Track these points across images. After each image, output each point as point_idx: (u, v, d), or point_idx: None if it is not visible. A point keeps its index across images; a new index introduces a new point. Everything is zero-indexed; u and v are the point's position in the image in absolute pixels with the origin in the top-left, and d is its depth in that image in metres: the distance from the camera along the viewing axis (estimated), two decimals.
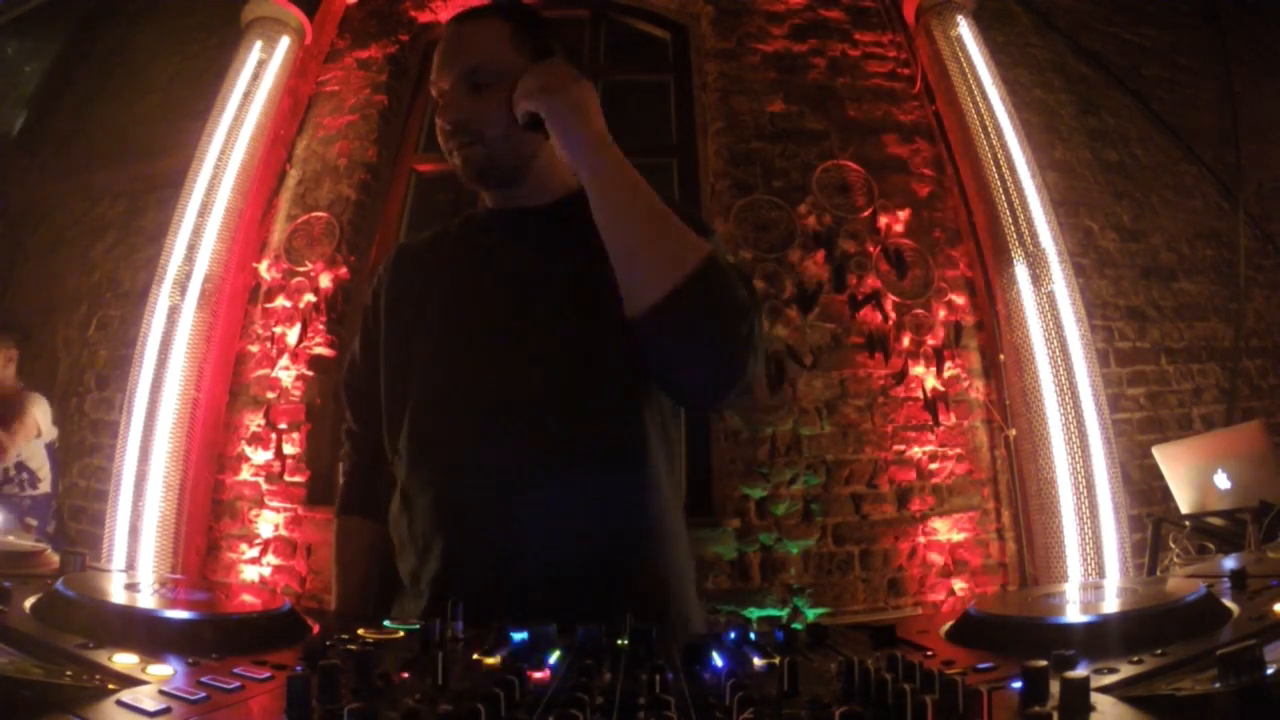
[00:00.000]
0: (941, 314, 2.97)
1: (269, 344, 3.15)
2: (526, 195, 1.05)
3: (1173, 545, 2.58)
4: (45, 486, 3.05)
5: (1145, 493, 2.90)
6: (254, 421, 3.09)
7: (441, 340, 1.02)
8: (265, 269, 3.24)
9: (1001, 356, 2.87)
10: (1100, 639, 0.52)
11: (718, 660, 0.56)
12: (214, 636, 0.55)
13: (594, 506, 0.93)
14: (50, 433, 3.10)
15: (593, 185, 0.91)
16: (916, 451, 2.83)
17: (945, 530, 2.78)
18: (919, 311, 2.95)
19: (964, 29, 3.15)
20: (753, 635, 0.65)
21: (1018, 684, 0.41)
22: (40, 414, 3.06)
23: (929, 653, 0.57)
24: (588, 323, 0.97)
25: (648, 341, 0.90)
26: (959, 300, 3.00)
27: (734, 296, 0.88)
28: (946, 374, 2.90)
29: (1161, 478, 2.64)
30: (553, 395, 0.96)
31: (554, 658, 0.56)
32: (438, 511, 0.96)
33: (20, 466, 2.99)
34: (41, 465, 3.05)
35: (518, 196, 1.05)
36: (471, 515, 0.95)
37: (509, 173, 1.03)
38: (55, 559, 0.79)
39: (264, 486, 3.02)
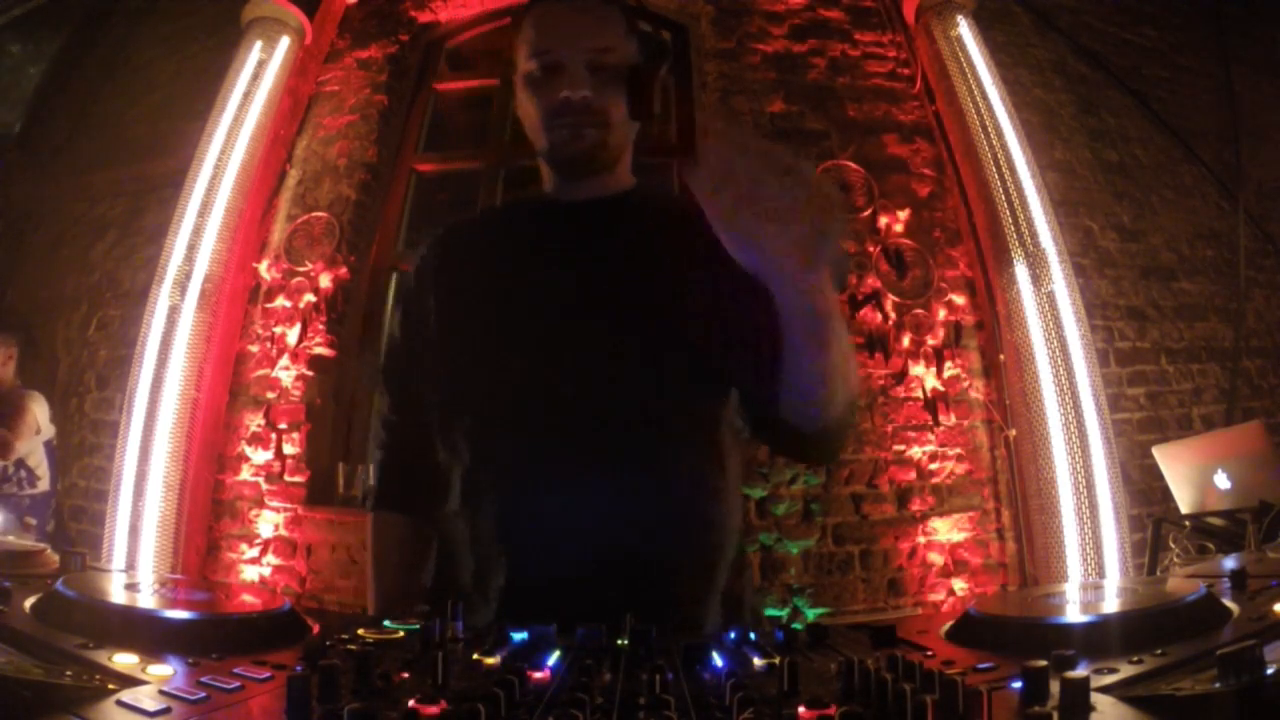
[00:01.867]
0: (941, 314, 2.97)
1: (269, 344, 3.15)
2: (594, 186, 1.03)
3: (1173, 545, 2.58)
4: (44, 485, 3.05)
5: (1145, 493, 2.89)
6: (254, 421, 3.09)
7: (511, 336, 0.98)
8: (265, 269, 3.24)
9: (1001, 356, 2.87)
10: (1100, 639, 0.52)
11: (718, 660, 0.56)
12: (214, 636, 0.55)
13: (650, 520, 0.91)
14: (49, 430, 3.10)
15: (802, 319, 0.82)
16: (916, 451, 2.83)
17: (945, 530, 2.78)
18: (919, 311, 2.95)
19: (964, 29, 3.15)
20: (753, 635, 0.65)
21: (1018, 684, 0.41)
22: (39, 411, 3.06)
23: (929, 653, 0.57)
24: (665, 331, 0.94)
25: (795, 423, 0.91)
26: (959, 300, 3.00)
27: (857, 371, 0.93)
28: (946, 374, 2.90)
29: (1161, 478, 2.64)
30: (611, 407, 0.93)
31: (554, 658, 0.56)
32: (504, 519, 0.93)
33: (19, 464, 2.99)
34: (40, 463, 3.05)
35: (585, 188, 1.03)
36: (540, 526, 0.92)
37: (611, 161, 1.02)
38: (55, 559, 0.79)
39: (264, 486, 3.02)
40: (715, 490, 0.96)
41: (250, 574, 2.94)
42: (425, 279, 1.07)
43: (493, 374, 0.97)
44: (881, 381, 2.88)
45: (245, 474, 3.06)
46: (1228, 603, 0.57)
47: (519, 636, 0.63)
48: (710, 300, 0.94)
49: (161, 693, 0.41)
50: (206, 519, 3.02)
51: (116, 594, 0.66)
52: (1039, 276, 2.77)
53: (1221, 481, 2.41)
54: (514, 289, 1.00)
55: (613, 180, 1.04)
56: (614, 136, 0.99)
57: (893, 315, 2.93)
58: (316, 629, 0.65)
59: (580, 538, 0.89)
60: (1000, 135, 2.96)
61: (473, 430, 0.97)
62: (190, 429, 2.90)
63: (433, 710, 0.39)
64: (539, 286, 0.99)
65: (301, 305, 3.15)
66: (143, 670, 0.45)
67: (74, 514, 3.28)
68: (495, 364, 0.97)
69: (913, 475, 2.81)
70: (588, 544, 0.89)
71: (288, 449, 3.03)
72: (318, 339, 3.12)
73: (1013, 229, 2.83)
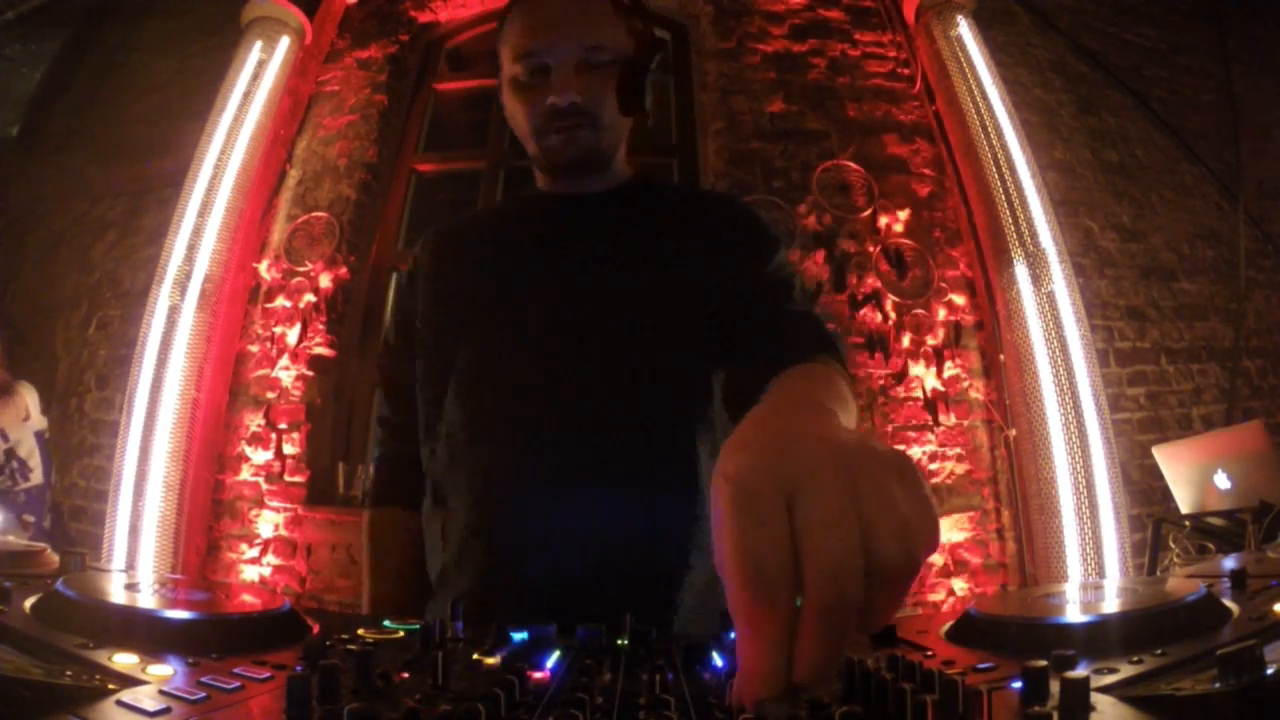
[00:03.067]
0: (941, 314, 2.97)
1: (269, 344, 3.15)
2: (592, 181, 0.99)
3: (1173, 545, 2.58)
4: (37, 477, 3.03)
5: (1145, 493, 2.90)
6: (254, 421, 3.09)
7: (493, 336, 0.94)
8: (265, 269, 3.24)
9: (1001, 356, 2.87)
10: (1100, 639, 0.52)
11: (718, 660, 0.56)
12: (214, 636, 0.55)
13: (640, 523, 0.87)
14: (39, 420, 3.08)
15: None
16: (916, 451, 2.83)
17: (945, 530, 2.78)
18: (919, 311, 2.95)
19: (964, 29, 3.15)
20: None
21: (1018, 684, 0.41)
22: (29, 398, 3.03)
23: (929, 653, 0.57)
24: (649, 327, 0.91)
25: None
26: (959, 300, 3.00)
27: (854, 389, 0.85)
28: (946, 374, 2.90)
29: (1161, 478, 2.64)
30: (607, 403, 0.89)
31: (554, 658, 0.56)
32: (473, 521, 0.90)
33: (9, 455, 2.97)
34: (32, 454, 3.02)
35: (582, 183, 0.99)
36: (510, 528, 0.89)
37: (607, 159, 0.98)
38: (55, 559, 0.79)
39: (264, 486, 3.02)
40: (697, 499, 0.91)
41: (250, 574, 2.94)
42: (416, 277, 1.05)
43: (471, 373, 0.94)
44: (881, 381, 2.88)
45: (245, 474, 3.06)
46: (1228, 603, 0.57)
47: (519, 636, 0.63)
48: (708, 290, 0.91)
49: (161, 693, 0.41)
50: (206, 519, 3.02)
51: (116, 594, 0.66)
52: (1039, 276, 2.77)
53: (1221, 481, 2.41)
54: (504, 285, 0.97)
55: (610, 174, 1.01)
56: (607, 137, 0.96)
57: (893, 315, 2.93)
58: (316, 629, 0.65)
59: (576, 541, 0.86)
60: (1000, 135, 2.96)
61: (451, 430, 0.94)
62: (190, 429, 2.90)
63: (433, 710, 0.39)
64: (530, 281, 0.96)
65: (301, 305, 3.15)
66: (143, 670, 0.45)
67: (74, 514, 3.27)
68: (475, 362, 0.94)
69: None
70: (583, 548, 0.86)
71: (288, 449, 3.03)
72: (318, 339, 3.12)
73: (1013, 229, 2.84)
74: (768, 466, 0.37)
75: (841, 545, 0.34)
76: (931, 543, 0.36)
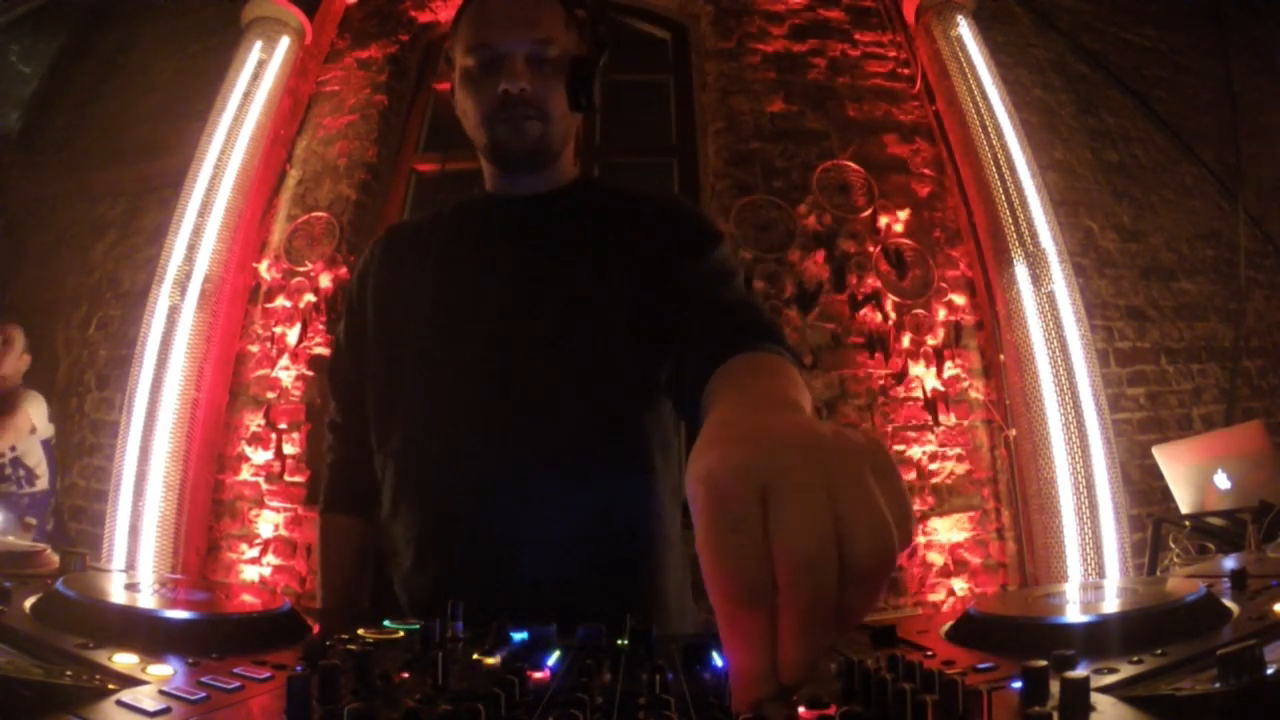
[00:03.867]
0: (941, 314, 2.97)
1: (269, 344, 3.15)
2: (536, 181, 1.01)
3: (1173, 545, 2.58)
4: (43, 483, 3.04)
5: (1145, 493, 2.90)
6: (254, 421, 3.09)
7: (439, 337, 0.96)
8: (265, 269, 3.24)
9: (1001, 356, 2.87)
10: (1100, 639, 0.52)
11: (718, 660, 0.56)
12: (214, 636, 0.55)
13: (593, 517, 0.89)
14: (46, 430, 3.09)
15: None
16: (916, 451, 2.83)
17: (945, 530, 2.78)
18: (919, 311, 2.95)
19: (964, 29, 3.15)
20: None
21: (1018, 684, 0.41)
22: (34, 411, 3.04)
23: (929, 653, 0.57)
24: (594, 325, 0.93)
25: None
26: (959, 300, 3.00)
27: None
28: (946, 374, 2.90)
29: (1161, 478, 2.64)
30: (556, 401, 0.91)
31: (554, 658, 0.56)
32: (431, 522, 0.92)
33: (16, 464, 2.97)
34: (39, 462, 3.04)
35: (527, 183, 1.01)
36: (467, 528, 0.90)
37: (554, 155, 1.00)
38: (55, 559, 0.79)
39: (264, 486, 3.02)
40: (647, 489, 0.93)
41: (250, 574, 2.94)
42: (365, 279, 1.07)
43: (420, 377, 0.95)
44: (881, 381, 2.88)
45: (245, 474, 3.06)
46: (1228, 603, 0.57)
47: (519, 636, 0.63)
48: (648, 285, 0.92)
49: (161, 693, 0.41)
50: (206, 519, 3.02)
51: (116, 594, 0.66)
52: (1039, 276, 2.77)
53: (1221, 481, 2.41)
54: (445, 288, 0.98)
55: (555, 174, 1.02)
56: (555, 130, 0.97)
57: (893, 315, 2.93)
58: (316, 629, 0.65)
59: (531, 539, 0.88)
60: (1000, 135, 2.96)
61: (404, 435, 0.95)
62: (190, 429, 2.90)
63: (433, 710, 0.39)
64: (466, 286, 0.97)
65: (301, 305, 3.15)
66: (143, 670, 0.45)
67: (74, 514, 3.27)
68: (423, 366, 0.95)
69: (913, 475, 2.81)
70: (540, 544, 0.87)
71: (288, 449, 3.03)
72: (318, 339, 3.12)
73: (1013, 229, 2.84)
74: (738, 467, 0.36)
75: (816, 547, 0.33)
76: (906, 538, 0.35)
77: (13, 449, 2.96)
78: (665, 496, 0.96)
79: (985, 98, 3.03)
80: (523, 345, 0.93)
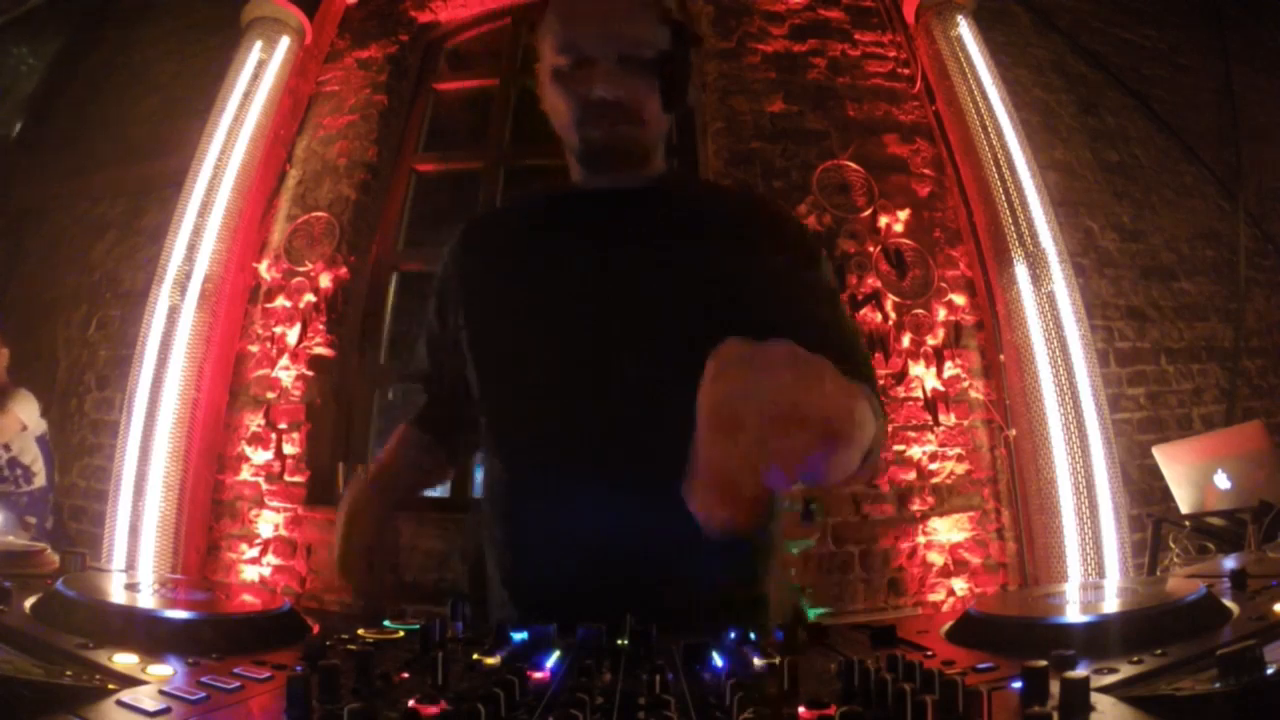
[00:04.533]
0: (941, 314, 2.97)
1: (269, 344, 3.15)
2: (628, 176, 0.99)
3: (1173, 545, 2.58)
4: (40, 481, 3.03)
5: (1145, 493, 2.90)
6: (254, 421, 3.09)
7: (533, 325, 0.93)
8: (265, 269, 3.24)
9: (1001, 356, 2.87)
10: (1100, 639, 0.52)
11: (718, 660, 0.56)
12: (214, 636, 0.55)
13: (681, 532, 0.87)
14: (39, 426, 3.07)
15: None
16: (916, 451, 2.83)
17: (945, 530, 2.78)
18: (919, 311, 2.95)
19: (964, 29, 3.15)
20: (753, 635, 0.65)
21: (1018, 684, 0.41)
22: (22, 410, 3.02)
23: (929, 653, 0.57)
24: (702, 326, 0.89)
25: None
26: (959, 300, 3.00)
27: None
28: (946, 374, 2.90)
29: (1161, 478, 2.64)
30: (648, 407, 0.85)
31: (554, 658, 0.56)
32: (556, 525, 0.88)
33: (13, 463, 2.97)
34: (35, 460, 3.03)
35: (619, 177, 0.98)
36: (594, 531, 0.86)
37: (646, 156, 0.98)
38: (55, 559, 0.79)
39: (264, 486, 3.02)
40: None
41: (250, 574, 2.94)
42: (450, 268, 1.05)
43: (513, 364, 0.94)
44: (881, 381, 2.88)
45: (245, 474, 3.06)
46: (1228, 603, 0.57)
47: (519, 636, 0.63)
48: (742, 288, 0.90)
49: (161, 693, 0.41)
50: (206, 519, 3.02)
51: (116, 594, 0.66)
52: (1039, 276, 2.77)
53: (1221, 481, 2.41)
54: (541, 283, 0.96)
55: (646, 169, 1.01)
56: (648, 132, 0.96)
57: (893, 315, 2.93)
58: (316, 629, 0.65)
59: (620, 547, 0.84)
60: (1000, 135, 2.96)
61: (495, 424, 0.95)
62: (190, 429, 2.90)
63: (433, 710, 0.39)
64: (569, 280, 0.95)
65: (301, 305, 3.15)
66: (143, 670, 0.45)
67: (74, 514, 3.27)
68: (516, 354, 0.94)
69: (913, 475, 2.81)
70: (626, 553, 0.84)
71: (288, 449, 3.03)
72: (318, 339, 3.12)
73: (1013, 229, 2.83)
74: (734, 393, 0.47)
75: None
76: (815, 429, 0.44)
77: (7, 448, 2.95)
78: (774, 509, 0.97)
79: (985, 98, 3.03)
80: (612, 346, 0.91)
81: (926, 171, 3.18)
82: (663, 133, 1.00)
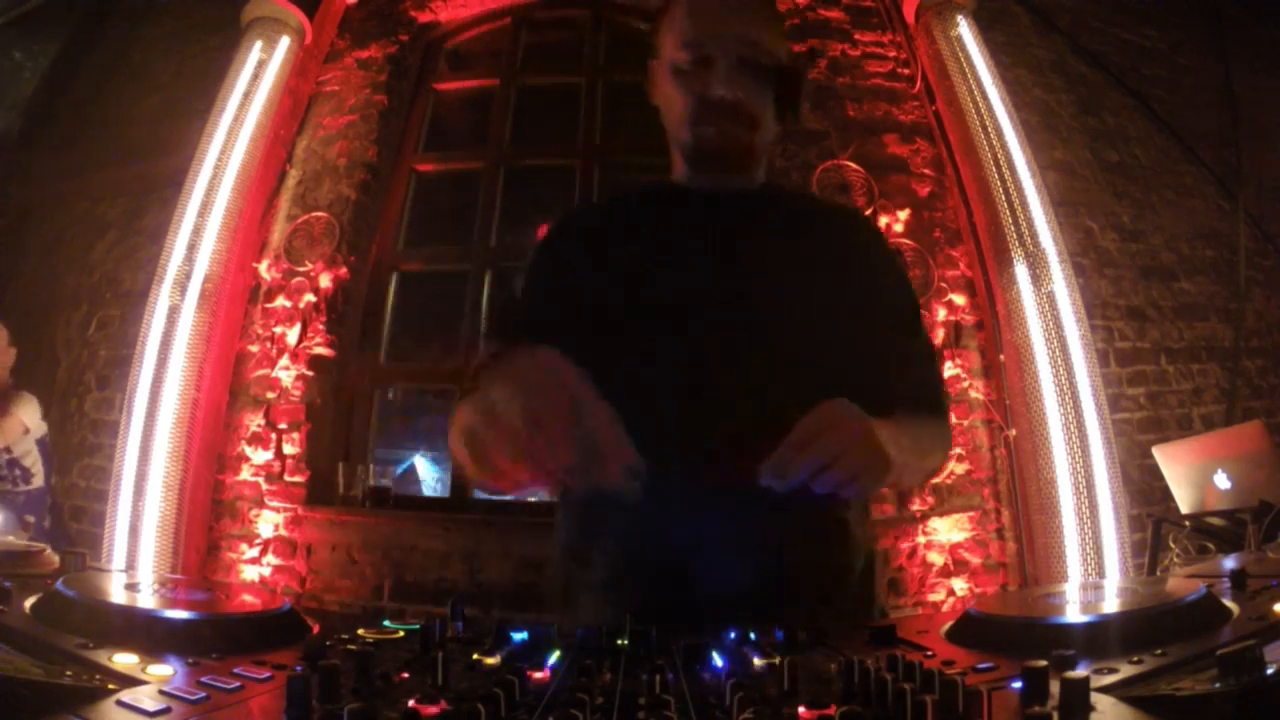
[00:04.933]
0: (941, 314, 2.97)
1: (269, 344, 3.15)
2: (733, 179, 0.99)
3: (1173, 545, 2.58)
4: (38, 481, 3.03)
5: (1145, 493, 2.89)
6: (254, 421, 3.09)
7: (636, 319, 0.91)
8: (265, 269, 3.24)
9: (1001, 356, 2.86)
10: (1100, 639, 0.52)
11: (718, 660, 0.56)
12: (214, 636, 0.55)
13: (812, 538, 0.87)
14: (40, 428, 3.08)
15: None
16: None
17: (945, 530, 2.78)
18: None
19: (964, 29, 3.15)
20: (753, 635, 0.65)
21: (1018, 684, 0.41)
22: (24, 414, 3.02)
23: (929, 653, 0.57)
24: (811, 327, 0.90)
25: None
26: (959, 300, 3.00)
27: (949, 447, 0.96)
28: (947, 374, 2.90)
29: (1161, 478, 2.64)
30: (755, 409, 0.84)
31: (554, 658, 0.56)
32: (632, 529, 0.86)
33: (12, 464, 2.97)
34: (35, 461, 3.03)
35: (723, 180, 0.98)
36: (712, 529, 0.85)
37: (754, 161, 0.99)
38: (55, 559, 0.79)
39: (264, 486, 3.02)
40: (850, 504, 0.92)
41: (250, 574, 2.94)
42: (555, 258, 1.02)
43: (639, 359, 0.90)
44: None
45: (245, 474, 3.06)
46: (1228, 603, 0.57)
47: (519, 636, 0.63)
48: (847, 300, 0.91)
49: (161, 693, 0.41)
50: (206, 519, 3.02)
51: (116, 594, 0.66)
52: (1039, 276, 2.77)
53: (1221, 481, 2.41)
54: (650, 280, 0.93)
55: (748, 174, 1.01)
56: (760, 138, 0.96)
57: None
58: (316, 629, 0.65)
59: (733, 548, 0.84)
60: (1000, 135, 2.96)
61: (637, 423, 0.92)
62: (190, 429, 2.90)
63: (433, 710, 0.39)
64: (674, 272, 0.93)
65: (301, 305, 3.15)
66: (143, 670, 0.45)
67: (74, 514, 3.27)
68: (642, 350, 0.90)
69: None
70: (740, 555, 0.83)
71: (288, 449, 3.03)
72: (318, 339, 3.12)
73: (1013, 229, 2.83)
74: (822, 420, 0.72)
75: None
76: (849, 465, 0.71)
77: (7, 450, 2.96)
78: (859, 510, 0.99)
79: (985, 98, 3.03)
80: (709, 344, 0.90)
81: (926, 171, 3.18)
82: (770, 141, 1.00)
